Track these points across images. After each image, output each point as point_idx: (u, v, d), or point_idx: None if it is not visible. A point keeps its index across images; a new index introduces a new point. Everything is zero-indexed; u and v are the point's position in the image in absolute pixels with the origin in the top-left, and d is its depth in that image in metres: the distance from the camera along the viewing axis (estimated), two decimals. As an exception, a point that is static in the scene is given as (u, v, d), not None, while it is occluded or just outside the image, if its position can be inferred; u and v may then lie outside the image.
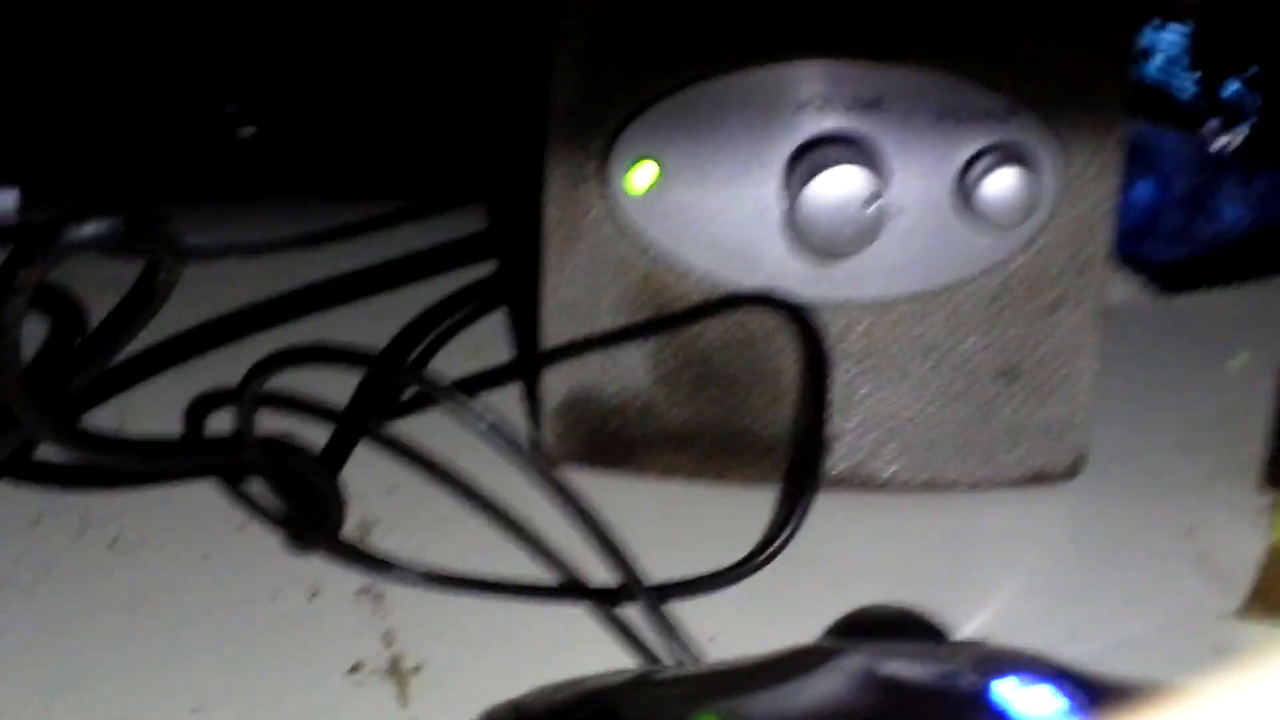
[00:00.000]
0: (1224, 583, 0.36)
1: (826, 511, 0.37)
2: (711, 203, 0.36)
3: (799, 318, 0.37)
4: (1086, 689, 0.26)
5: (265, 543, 0.36)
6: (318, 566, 0.35)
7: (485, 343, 0.44)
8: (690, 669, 0.31)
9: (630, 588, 0.32)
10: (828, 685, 0.26)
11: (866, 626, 0.34)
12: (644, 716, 0.27)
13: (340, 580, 0.35)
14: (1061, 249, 0.37)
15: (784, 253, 0.36)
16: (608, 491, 0.37)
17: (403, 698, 0.32)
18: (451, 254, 0.47)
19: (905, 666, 0.27)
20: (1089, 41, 0.35)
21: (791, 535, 0.35)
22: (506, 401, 0.41)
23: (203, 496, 0.37)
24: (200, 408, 0.40)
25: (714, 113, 0.35)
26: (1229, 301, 0.48)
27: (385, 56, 0.54)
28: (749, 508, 0.37)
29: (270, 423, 0.38)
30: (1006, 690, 0.26)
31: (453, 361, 0.43)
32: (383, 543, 0.36)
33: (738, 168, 0.36)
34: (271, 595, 0.34)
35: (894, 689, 0.26)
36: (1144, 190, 0.50)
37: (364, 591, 0.35)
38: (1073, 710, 0.26)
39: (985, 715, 0.25)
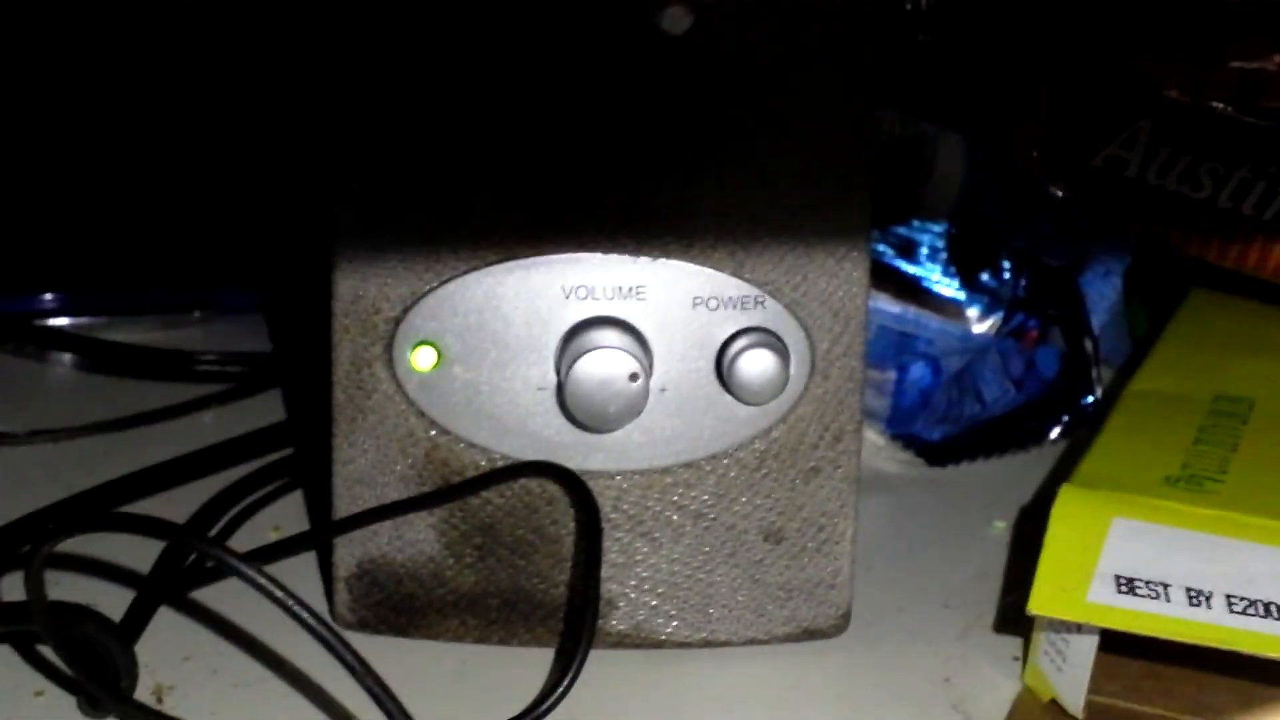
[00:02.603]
0: (979, 724, 0.39)
1: (607, 668, 0.39)
2: (490, 381, 0.39)
3: (575, 486, 0.39)
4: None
5: (61, 708, 0.37)
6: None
7: (284, 520, 0.46)
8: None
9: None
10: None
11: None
12: None
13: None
14: (816, 421, 0.40)
15: (559, 426, 0.39)
16: (397, 655, 0.39)
17: None
18: (250, 444, 0.49)
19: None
20: (825, 236, 0.39)
21: (565, 693, 0.36)
22: (303, 572, 0.42)
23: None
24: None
25: (488, 299, 0.38)
26: (988, 473, 0.52)
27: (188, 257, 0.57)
28: (533, 668, 0.40)
29: (74, 591, 0.40)
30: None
31: (255, 535, 0.45)
32: (176, 708, 0.37)
33: (512, 350, 0.39)
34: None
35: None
36: (919, 373, 0.54)
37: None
38: None
39: None
